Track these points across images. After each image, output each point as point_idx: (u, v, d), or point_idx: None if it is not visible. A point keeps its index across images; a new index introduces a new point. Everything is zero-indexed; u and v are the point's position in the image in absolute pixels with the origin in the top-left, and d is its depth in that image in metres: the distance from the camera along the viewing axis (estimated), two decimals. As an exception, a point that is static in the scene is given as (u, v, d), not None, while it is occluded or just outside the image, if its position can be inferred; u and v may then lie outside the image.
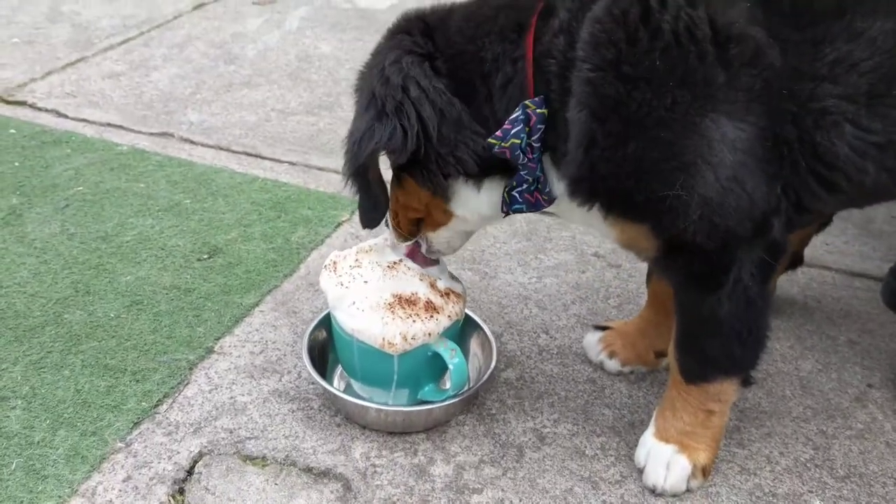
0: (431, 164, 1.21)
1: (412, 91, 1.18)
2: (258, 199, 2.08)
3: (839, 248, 1.95)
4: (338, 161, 2.22)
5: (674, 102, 1.07)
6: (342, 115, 2.51)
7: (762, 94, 1.07)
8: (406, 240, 1.39)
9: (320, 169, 2.25)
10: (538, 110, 1.16)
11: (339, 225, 1.99)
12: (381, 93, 1.20)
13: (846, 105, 1.07)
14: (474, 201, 1.28)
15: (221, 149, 2.34)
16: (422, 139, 1.19)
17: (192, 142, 2.37)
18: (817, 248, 1.90)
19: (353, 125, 1.26)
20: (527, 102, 1.16)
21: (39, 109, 2.52)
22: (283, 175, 2.21)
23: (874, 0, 1.07)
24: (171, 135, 2.40)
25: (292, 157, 2.30)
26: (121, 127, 2.43)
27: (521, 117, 1.15)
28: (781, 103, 1.08)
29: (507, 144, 1.16)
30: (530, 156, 1.18)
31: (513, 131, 1.16)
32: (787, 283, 1.78)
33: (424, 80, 1.19)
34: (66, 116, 2.48)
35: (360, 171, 1.25)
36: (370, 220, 1.35)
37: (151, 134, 2.40)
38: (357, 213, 1.38)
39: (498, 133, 1.17)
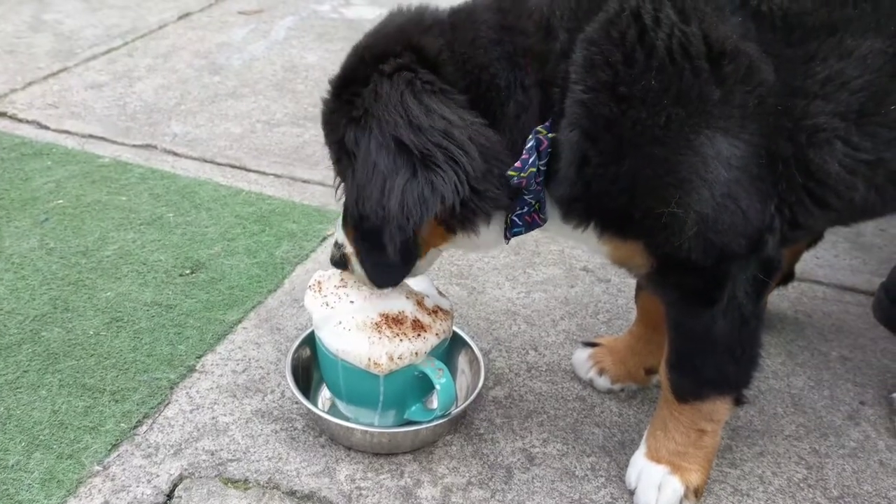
0: (470, 203, 1.11)
1: (456, 135, 1.09)
2: (242, 213, 2.05)
3: (829, 261, 1.94)
4: (323, 173, 2.22)
5: (668, 120, 1.05)
6: (328, 126, 2.48)
7: (757, 110, 1.06)
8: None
9: (305, 181, 2.22)
10: (549, 135, 1.12)
11: (324, 239, 1.96)
12: (418, 142, 1.08)
13: (838, 122, 1.07)
14: (484, 231, 1.21)
15: (206, 161, 2.31)
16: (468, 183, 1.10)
17: (175, 154, 2.34)
18: (808, 262, 1.89)
19: (380, 183, 1.09)
20: (539, 129, 1.12)
21: (20, 121, 2.48)
22: (267, 188, 2.18)
23: (864, 19, 1.06)
24: (155, 147, 2.37)
25: (277, 170, 2.27)
26: (103, 139, 2.39)
27: (535, 144, 1.12)
28: (776, 120, 1.07)
29: (525, 175, 1.12)
30: (538, 179, 1.14)
31: (530, 161, 1.12)
32: (778, 298, 1.77)
33: (460, 120, 1.10)
34: (47, 128, 2.44)
35: (412, 236, 1.14)
36: (393, 280, 1.26)
37: (134, 146, 2.36)
38: (366, 269, 1.24)
39: (517, 164, 1.12)
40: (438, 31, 1.15)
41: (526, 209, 1.18)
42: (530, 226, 1.22)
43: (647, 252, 1.15)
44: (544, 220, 1.22)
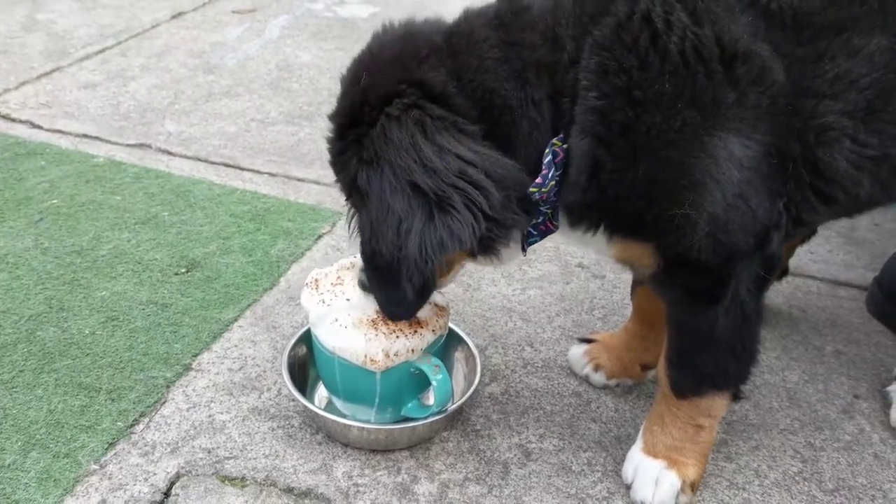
0: (491, 234, 1.10)
1: (471, 173, 1.06)
2: (237, 212, 2.05)
3: (823, 257, 1.94)
4: (318, 171, 2.22)
5: (683, 123, 1.05)
6: (323, 124, 2.45)
7: (769, 111, 1.06)
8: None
9: (300, 180, 2.22)
10: (564, 146, 1.11)
11: (319, 237, 1.96)
12: (433, 185, 1.05)
13: (846, 121, 1.07)
14: (505, 250, 1.19)
15: (200, 160, 2.30)
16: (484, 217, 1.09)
17: (169, 153, 2.33)
18: (802, 257, 1.90)
19: (395, 224, 1.07)
20: (554, 141, 1.11)
21: (13, 120, 2.47)
22: (262, 186, 2.18)
23: (871, 17, 1.07)
24: (149, 146, 2.37)
25: (272, 168, 2.27)
26: (97, 138, 2.39)
27: (552, 158, 1.11)
28: (787, 119, 1.07)
29: (546, 189, 1.12)
30: (554, 190, 1.14)
31: (550, 175, 1.11)
32: (773, 293, 1.77)
33: (474, 155, 1.07)
34: (40, 128, 2.43)
35: (431, 275, 1.14)
36: (407, 313, 1.26)
37: (128, 145, 2.36)
38: (379, 302, 1.24)
39: (538, 180, 1.11)
40: (438, 60, 1.11)
41: (541, 219, 1.18)
42: (544, 234, 1.21)
43: (656, 253, 1.15)
44: (556, 227, 1.21)
